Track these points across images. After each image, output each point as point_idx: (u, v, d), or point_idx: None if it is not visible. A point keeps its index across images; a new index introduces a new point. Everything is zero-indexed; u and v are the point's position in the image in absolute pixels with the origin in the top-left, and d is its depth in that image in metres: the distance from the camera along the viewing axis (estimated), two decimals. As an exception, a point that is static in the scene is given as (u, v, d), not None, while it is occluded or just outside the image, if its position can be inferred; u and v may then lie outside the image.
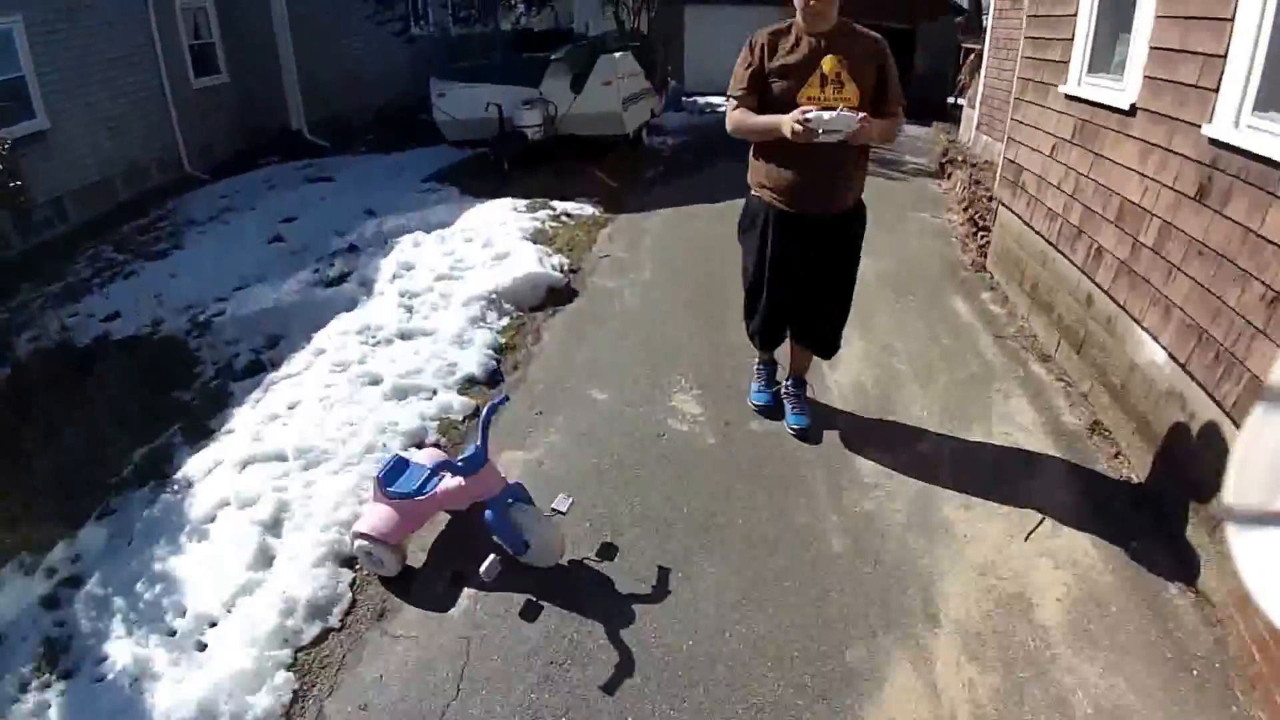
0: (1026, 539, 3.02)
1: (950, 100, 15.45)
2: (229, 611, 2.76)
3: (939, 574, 2.86)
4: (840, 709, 2.32)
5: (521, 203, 7.70)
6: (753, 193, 3.48)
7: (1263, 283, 2.56)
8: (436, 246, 6.13)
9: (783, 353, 3.91)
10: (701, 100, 18.06)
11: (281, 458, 3.58)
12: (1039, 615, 2.65)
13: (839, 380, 4.28)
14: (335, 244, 7.06)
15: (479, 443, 2.77)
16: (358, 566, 2.95)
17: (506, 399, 3.33)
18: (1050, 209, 4.74)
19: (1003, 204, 5.77)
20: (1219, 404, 2.78)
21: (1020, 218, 5.31)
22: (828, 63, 3.03)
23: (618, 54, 9.51)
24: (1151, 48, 3.55)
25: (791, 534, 3.09)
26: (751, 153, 3.44)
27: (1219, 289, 2.84)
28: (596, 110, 9.44)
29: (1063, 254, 4.51)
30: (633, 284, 5.81)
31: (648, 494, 3.34)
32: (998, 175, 6.00)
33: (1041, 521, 3.10)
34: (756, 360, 4.03)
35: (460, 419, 4.00)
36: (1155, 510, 3.14)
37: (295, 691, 2.44)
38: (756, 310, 3.63)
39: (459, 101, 9.49)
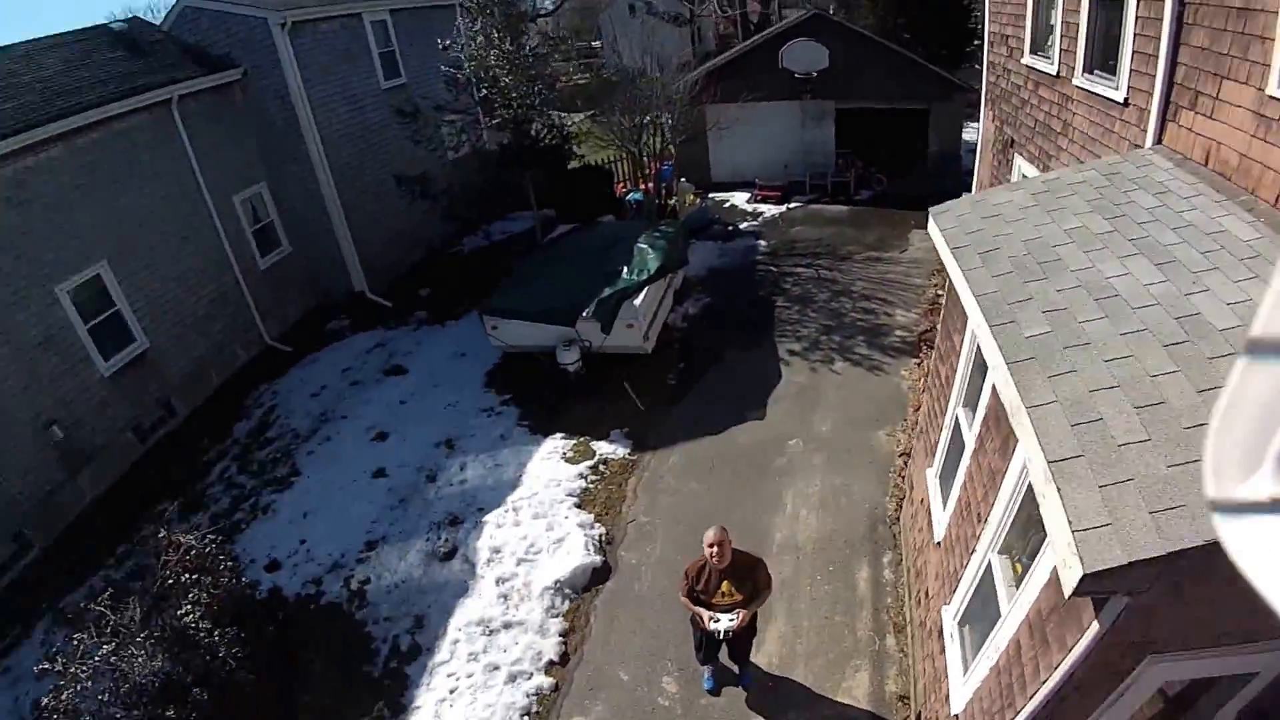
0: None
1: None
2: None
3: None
4: None
5: (568, 445, 12.32)
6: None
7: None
8: (511, 531, 10.67)
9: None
10: (727, 203, 22.55)
11: (455, 734, 8.16)
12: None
13: (758, 657, 8.68)
14: (432, 497, 11.66)
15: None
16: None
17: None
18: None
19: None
20: None
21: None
22: (725, 585, 7.41)
23: (640, 298, 13.94)
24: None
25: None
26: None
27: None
28: (623, 344, 13.97)
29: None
30: (648, 559, 10.27)
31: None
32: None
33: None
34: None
35: (550, 693, 8.54)
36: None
37: None
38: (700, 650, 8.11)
39: (509, 331, 14.14)
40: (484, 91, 17.42)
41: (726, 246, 20.25)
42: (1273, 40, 5.24)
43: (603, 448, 12.43)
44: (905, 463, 10.97)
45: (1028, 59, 10.90)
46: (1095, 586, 3.42)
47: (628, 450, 12.40)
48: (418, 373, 15.38)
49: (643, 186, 22.73)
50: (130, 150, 14.04)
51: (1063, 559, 3.50)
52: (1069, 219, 6.16)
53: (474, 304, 17.19)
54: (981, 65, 14.35)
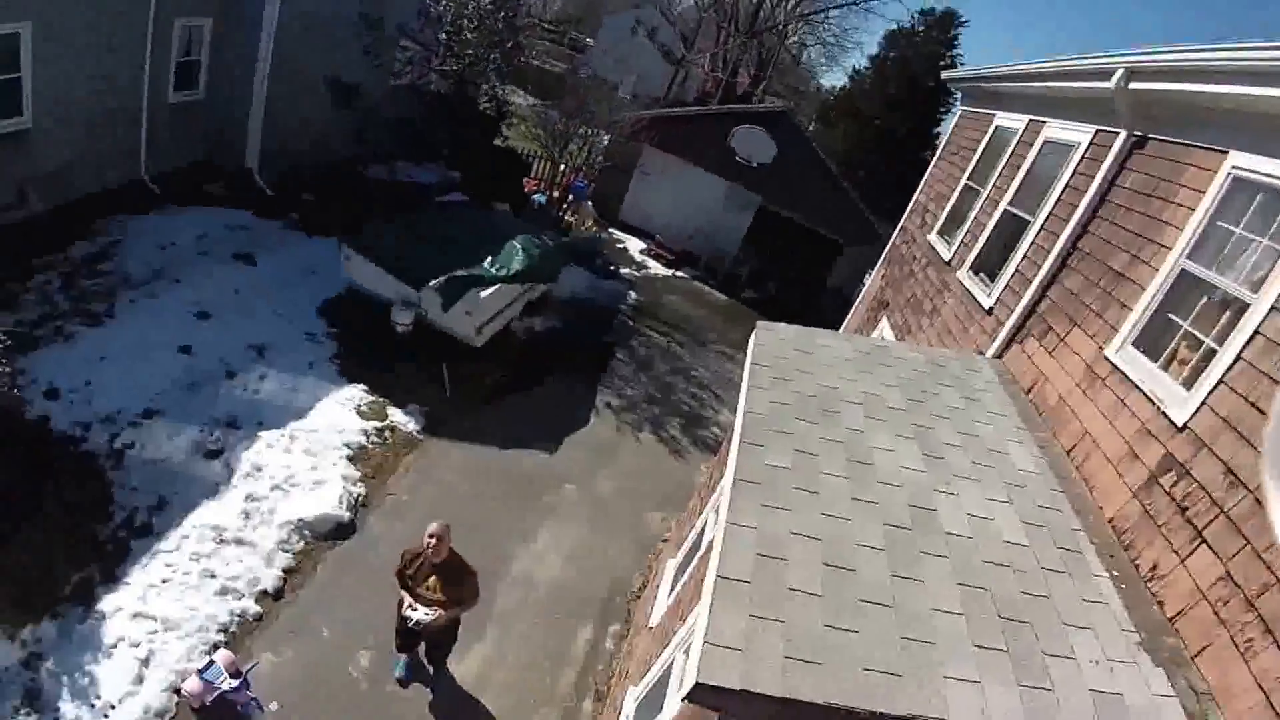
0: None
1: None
2: (112, 708, 7.84)
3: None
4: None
5: (366, 400, 12.95)
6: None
7: None
8: (279, 456, 11.21)
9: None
10: (621, 244, 23.52)
11: (153, 618, 8.66)
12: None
13: (456, 669, 9.49)
14: (222, 393, 12.06)
15: (241, 682, 7.94)
16: (178, 702, 8.04)
17: (254, 665, 8.41)
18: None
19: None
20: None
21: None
22: (432, 580, 8.20)
23: (489, 291, 14.68)
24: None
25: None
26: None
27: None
28: (454, 329, 14.73)
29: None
30: (392, 535, 10.94)
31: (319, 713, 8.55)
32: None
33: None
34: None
35: (253, 620, 9.13)
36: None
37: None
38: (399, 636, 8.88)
39: (359, 269, 14.76)
40: (445, 35, 17.84)
41: (599, 284, 21.21)
42: (1130, 309, 6.07)
43: (396, 416, 13.09)
44: (660, 551, 11.98)
45: (932, 236, 12.03)
46: (708, 699, 3.82)
47: (417, 428, 13.10)
48: (265, 269, 15.70)
49: (550, 191, 23.48)
50: None
51: (689, 664, 3.94)
52: (874, 385, 6.79)
53: (349, 230, 17.54)
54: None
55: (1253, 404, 4.40)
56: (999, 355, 8.03)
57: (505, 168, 23.08)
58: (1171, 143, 6.58)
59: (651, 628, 8.74)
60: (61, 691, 7.81)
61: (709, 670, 3.75)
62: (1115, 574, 4.77)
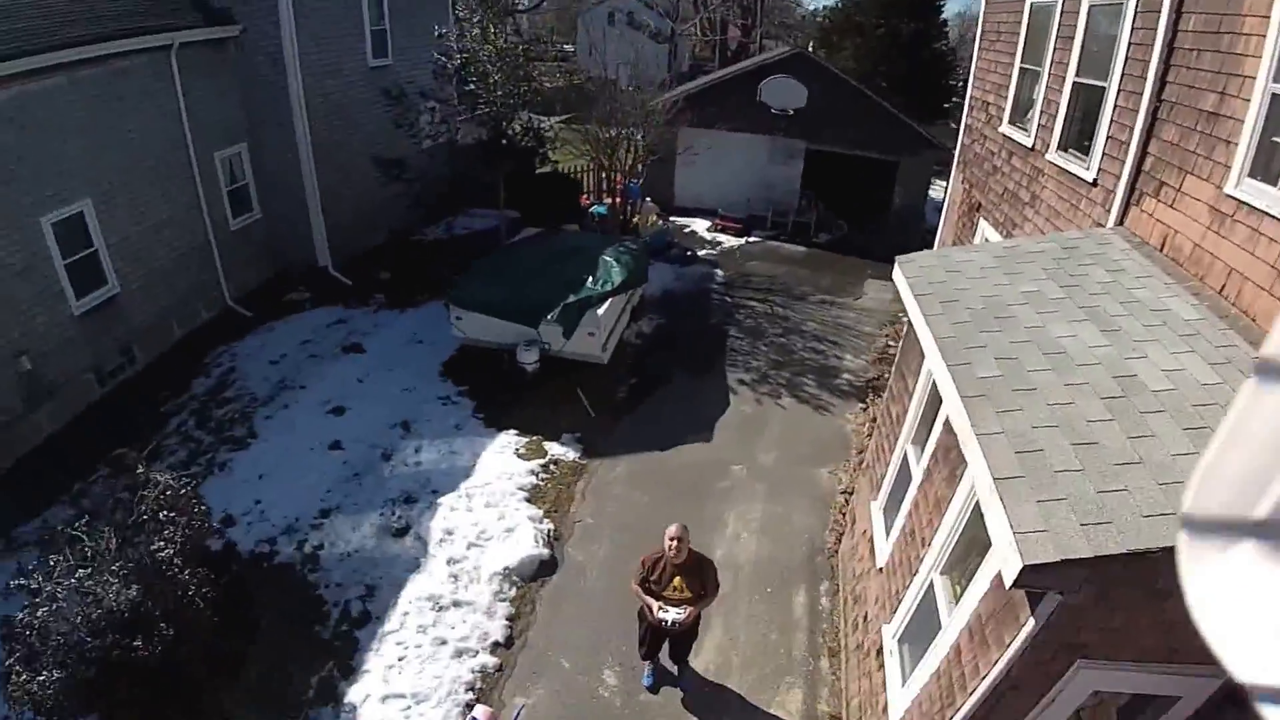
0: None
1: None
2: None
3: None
4: None
5: (521, 443, 13.04)
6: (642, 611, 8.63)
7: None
8: (463, 516, 11.35)
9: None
10: (687, 228, 23.53)
11: (402, 695, 8.82)
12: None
13: (695, 662, 9.52)
14: (386, 475, 12.28)
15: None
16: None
17: (523, 708, 8.54)
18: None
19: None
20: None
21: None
22: (677, 580, 8.23)
23: (603, 308, 14.77)
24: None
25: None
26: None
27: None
28: (581, 352, 14.81)
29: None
30: (593, 558, 11.04)
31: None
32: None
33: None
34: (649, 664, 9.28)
35: (494, 672, 9.25)
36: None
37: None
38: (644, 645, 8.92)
39: (473, 323, 14.85)
40: (471, 85, 18.07)
41: (683, 271, 21.20)
42: (1235, 144, 6.12)
43: (554, 448, 13.18)
44: (847, 500, 11.90)
45: (1005, 128, 11.86)
46: (1032, 580, 4.20)
47: (577, 454, 13.18)
48: (375, 354, 15.95)
49: (608, 200, 23.58)
50: (127, 92, 14.31)
51: (1004, 557, 4.28)
52: (1025, 283, 7.05)
53: (433, 293, 17.91)
54: (958, 125, 15.42)
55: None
56: (1120, 222, 7.99)
57: (559, 190, 23.29)
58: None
59: (880, 568, 8.64)
60: None
61: (1030, 553, 4.10)
62: None
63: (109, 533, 8.31)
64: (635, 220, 22.98)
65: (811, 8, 64.80)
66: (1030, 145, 10.72)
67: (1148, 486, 4.44)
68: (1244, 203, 5.96)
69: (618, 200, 23.00)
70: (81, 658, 7.44)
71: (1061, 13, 9.99)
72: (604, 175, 24.27)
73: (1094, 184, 8.66)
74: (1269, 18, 5.77)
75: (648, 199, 24.11)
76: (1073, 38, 9.56)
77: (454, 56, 18.25)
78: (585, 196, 25.17)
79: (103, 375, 14.49)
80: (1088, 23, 9.28)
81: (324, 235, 18.77)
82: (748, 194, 25.47)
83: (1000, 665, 4.89)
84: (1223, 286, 6.15)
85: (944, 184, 26.08)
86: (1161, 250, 7.16)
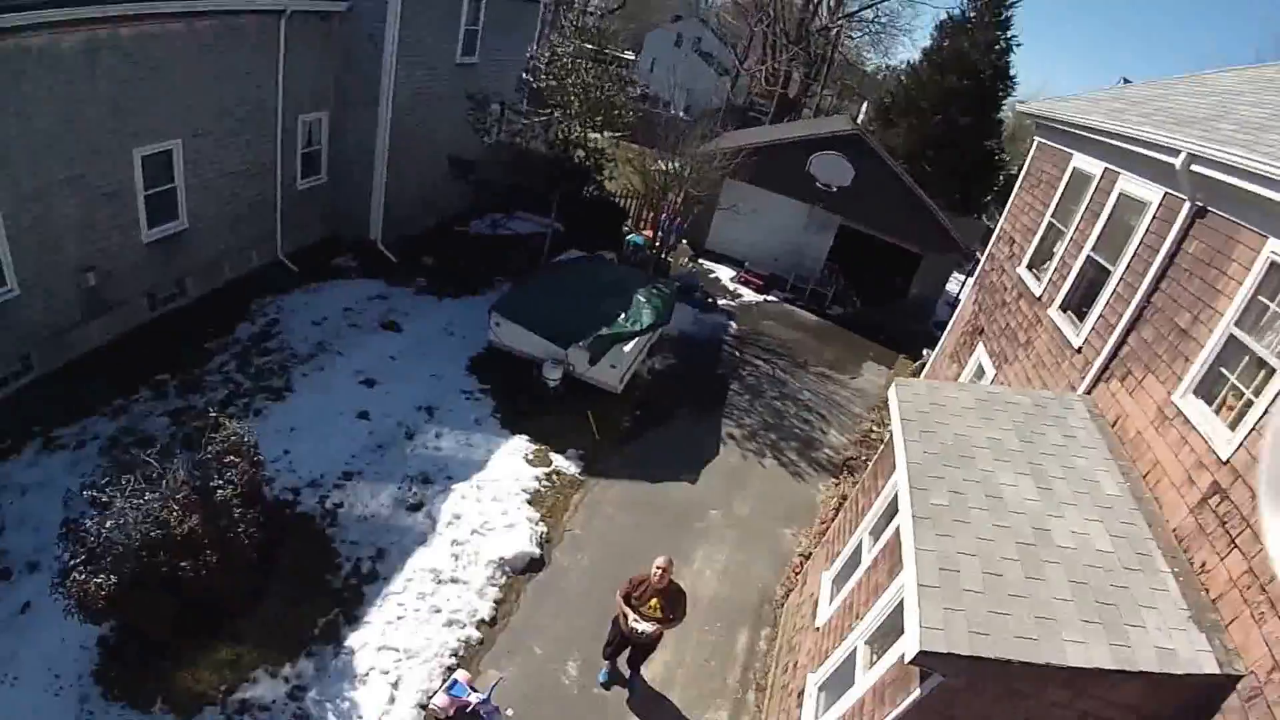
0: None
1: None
2: (380, 731, 9.60)
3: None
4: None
5: (531, 449, 14.69)
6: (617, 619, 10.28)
7: None
8: (472, 505, 12.96)
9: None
10: (712, 274, 25.27)
11: (397, 649, 10.41)
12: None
13: (645, 672, 11.09)
14: (408, 453, 13.87)
15: (487, 695, 9.65)
16: (424, 716, 9.77)
17: (499, 680, 10.11)
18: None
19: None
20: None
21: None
22: (654, 602, 9.87)
23: (629, 345, 16.48)
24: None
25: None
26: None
27: None
28: (600, 379, 16.53)
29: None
30: (577, 565, 12.66)
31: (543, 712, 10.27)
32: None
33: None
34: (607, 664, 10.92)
35: (476, 644, 10.85)
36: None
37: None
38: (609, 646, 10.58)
39: (508, 332, 16.55)
40: (551, 108, 19.67)
41: (702, 317, 22.83)
42: (1191, 363, 7.49)
43: (558, 460, 14.80)
44: (802, 562, 13.45)
45: (1022, 270, 13.32)
46: (924, 661, 5.95)
47: (578, 470, 14.80)
48: (410, 335, 17.59)
49: (645, 233, 25.18)
50: (235, 47, 15.69)
51: (909, 641, 5.96)
52: (993, 430, 8.59)
53: (471, 290, 19.80)
54: (991, 221, 16.82)
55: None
56: (1088, 391, 9.43)
57: (605, 214, 24.86)
58: (1226, 219, 7.86)
59: (819, 627, 10.27)
60: (326, 716, 9.55)
61: (927, 642, 5.86)
62: (1175, 570, 6.52)
63: (177, 464, 9.57)
64: (667, 259, 24.49)
65: (870, 69, 65.50)
66: (1038, 295, 12.11)
67: (1025, 617, 6.06)
68: (1182, 412, 7.37)
69: (656, 234, 24.52)
70: (135, 569, 8.67)
71: (1096, 188, 11.24)
72: (648, 209, 25.83)
73: (1079, 351, 10.07)
74: (1249, 269, 7.11)
75: (684, 241, 25.65)
76: (1099, 214, 10.85)
77: (540, 78, 19.83)
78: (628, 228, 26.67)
79: (155, 301, 15.95)
80: (1114, 206, 10.53)
81: (380, 211, 20.43)
82: (776, 253, 27.04)
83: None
84: (1147, 473, 7.63)
85: (959, 277, 27.98)
86: (1113, 427, 8.64)
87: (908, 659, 5.95)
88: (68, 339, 14.05)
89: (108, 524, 8.70)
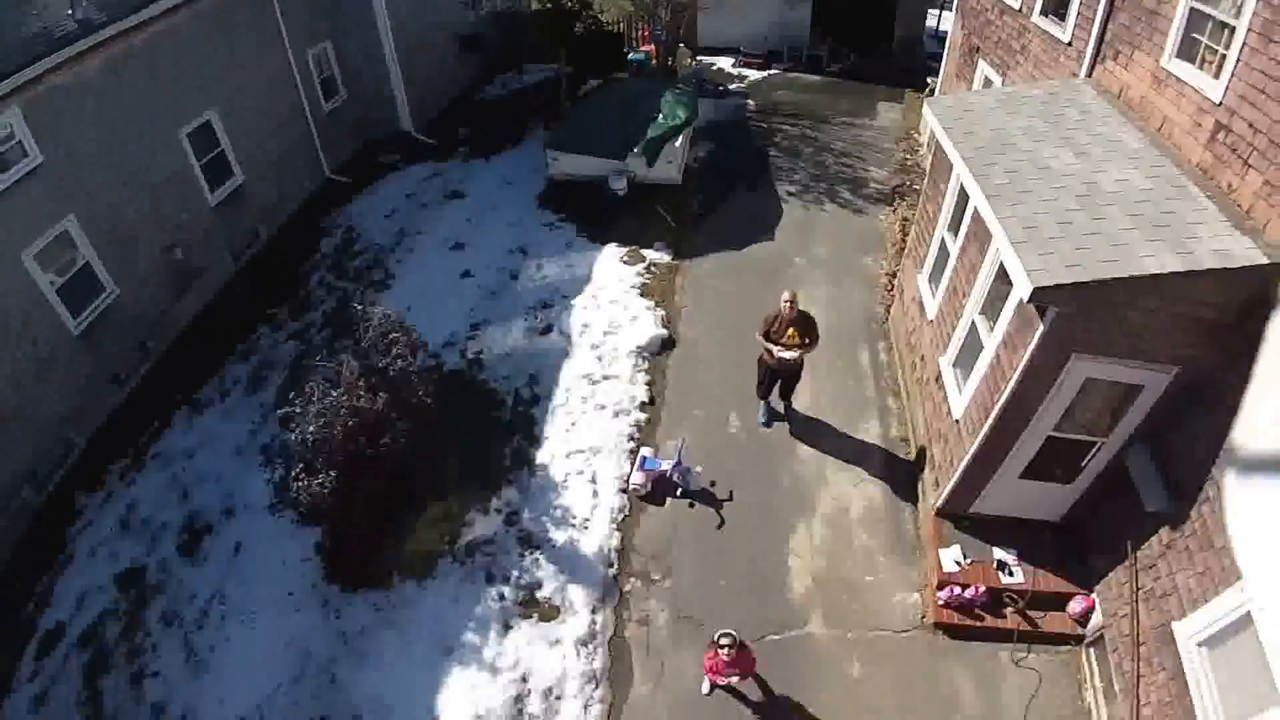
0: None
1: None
2: (589, 519, 10.07)
3: (815, 498, 10.23)
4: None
5: (623, 251, 14.95)
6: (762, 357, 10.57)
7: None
8: (594, 313, 13.28)
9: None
10: (714, 66, 24.87)
11: (582, 450, 10.86)
12: (851, 513, 10.00)
13: (796, 403, 11.44)
14: (519, 290, 14.11)
15: (677, 458, 10.03)
16: (628, 494, 10.27)
17: (684, 441, 10.52)
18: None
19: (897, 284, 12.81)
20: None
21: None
22: (790, 331, 10.05)
23: (677, 140, 16.55)
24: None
25: (765, 473, 10.47)
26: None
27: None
28: (661, 177, 16.64)
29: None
30: (702, 334, 12.93)
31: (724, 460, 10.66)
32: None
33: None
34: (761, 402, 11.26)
35: (646, 424, 11.23)
36: (910, 474, 10.47)
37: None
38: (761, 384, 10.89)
39: (567, 162, 16.66)
40: None
41: (720, 104, 22.40)
42: (1166, 35, 8.34)
43: (650, 254, 15.11)
44: (891, 279, 13.70)
45: None
46: (1039, 298, 6.67)
47: (670, 257, 15.12)
48: (476, 197, 17.65)
49: (643, 48, 24.63)
50: (235, 9, 15.44)
51: (1022, 283, 6.74)
52: (1021, 120, 9.33)
53: (513, 142, 19.69)
54: None
55: (1253, 85, 6.81)
56: (1089, 75, 10.13)
57: (605, 45, 24.22)
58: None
59: (931, 320, 10.57)
60: (546, 527, 10.10)
61: (1038, 279, 6.62)
62: (1209, 194, 7.17)
63: (347, 359, 9.58)
64: (672, 63, 24.00)
65: None
66: (1017, 7, 12.85)
67: (1104, 247, 6.82)
68: (1173, 74, 8.19)
69: (653, 48, 24.05)
70: (344, 459, 8.96)
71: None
72: (643, 27, 25.61)
73: (1069, 44, 10.85)
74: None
75: (681, 44, 25.06)
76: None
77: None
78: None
79: (237, 254, 16.06)
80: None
81: (406, 104, 20.16)
82: (764, 33, 26.27)
83: (1025, 358, 7.31)
84: (1160, 127, 8.34)
85: (937, 12, 27.21)
86: (1119, 98, 9.30)
87: (1025, 299, 6.71)
88: (172, 314, 14.22)
89: (310, 428, 8.97)
